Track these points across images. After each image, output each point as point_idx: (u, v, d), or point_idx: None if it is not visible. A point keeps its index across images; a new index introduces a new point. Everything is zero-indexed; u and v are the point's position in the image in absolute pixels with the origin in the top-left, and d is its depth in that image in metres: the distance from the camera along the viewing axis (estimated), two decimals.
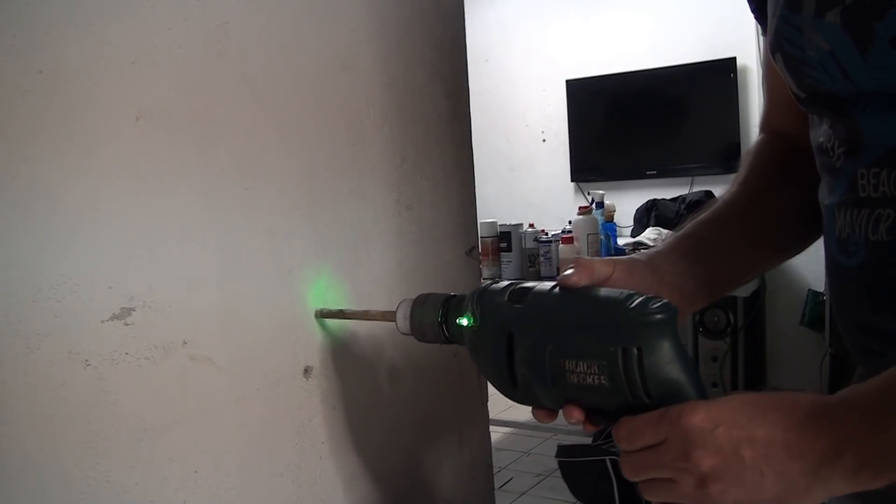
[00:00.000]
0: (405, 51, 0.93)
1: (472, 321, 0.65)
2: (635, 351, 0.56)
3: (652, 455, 0.55)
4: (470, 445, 1.07)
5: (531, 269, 3.22)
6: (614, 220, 3.47)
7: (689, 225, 0.76)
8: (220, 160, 0.70)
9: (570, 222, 3.25)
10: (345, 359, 0.84)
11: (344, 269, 0.84)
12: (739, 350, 3.47)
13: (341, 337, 0.83)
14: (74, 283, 0.58)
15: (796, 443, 0.51)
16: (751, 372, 3.60)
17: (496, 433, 2.92)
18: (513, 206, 4.24)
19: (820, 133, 0.68)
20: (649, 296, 0.57)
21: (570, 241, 3.03)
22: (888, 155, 0.60)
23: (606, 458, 2.33)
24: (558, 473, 2.48)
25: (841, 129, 0.64)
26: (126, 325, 0.61)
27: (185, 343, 0.66)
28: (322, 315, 0.79)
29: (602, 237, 3.17)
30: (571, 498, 2.47)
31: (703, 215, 0.76)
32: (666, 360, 0.56)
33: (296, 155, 0.78)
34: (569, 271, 0.62)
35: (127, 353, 0.61)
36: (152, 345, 0.63)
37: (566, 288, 0.61)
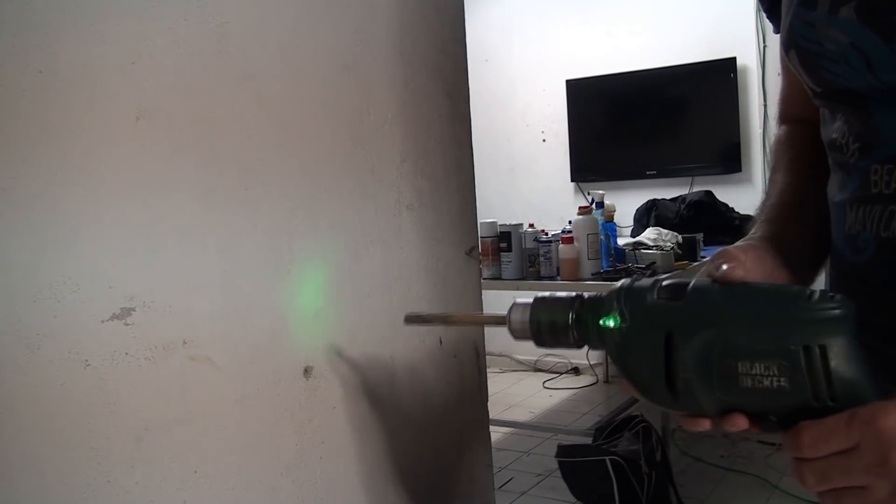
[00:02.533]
0: (405, 51, 0.93)
1: (619, 322, 0.59)
2: (817, 349, 0.52)
3: (842, 461, 0.51)
4: (470, 445, 1.07)
5: (531, 269, 3.22)
6: (614, 220, 3.46)
7: (767, 213, 0.72)
8: (220, 160, 0.70)
9: (570, 222, 3.24)
10: (345, 359, 0.84)
11: (344, 269, 0.84)
12: None
13: (341, 337, 0.83)
14: (74, 283, 0.58)
15: None
16: None
17: (496, 433, 2.92)
18: (513, 206, 4.24)
19: (833, 129, 0.68)
20: (823, 290, 0.53)
21: (570, 241, 3.02)
22: None
23: (606, 458, 2.32)
24: (558, 473, 2.48)
25: (856, 124, 0.64)
26: (126, 325, 0.61)
27: (185, 343, 0.66)
28: (411, 321, 0.71)
29: (602, 237, 3.17)
30: (571, 498, 2.46)
31: (772, 200, 0.73)
32: (849, 358, 0.52)
33: (296, 155, 0.78)
34: (726, 266, 0.57)
35: (127, 353, 0.61)
36: (152, 345, 0.63)
37: (727, 283, 0.57)
